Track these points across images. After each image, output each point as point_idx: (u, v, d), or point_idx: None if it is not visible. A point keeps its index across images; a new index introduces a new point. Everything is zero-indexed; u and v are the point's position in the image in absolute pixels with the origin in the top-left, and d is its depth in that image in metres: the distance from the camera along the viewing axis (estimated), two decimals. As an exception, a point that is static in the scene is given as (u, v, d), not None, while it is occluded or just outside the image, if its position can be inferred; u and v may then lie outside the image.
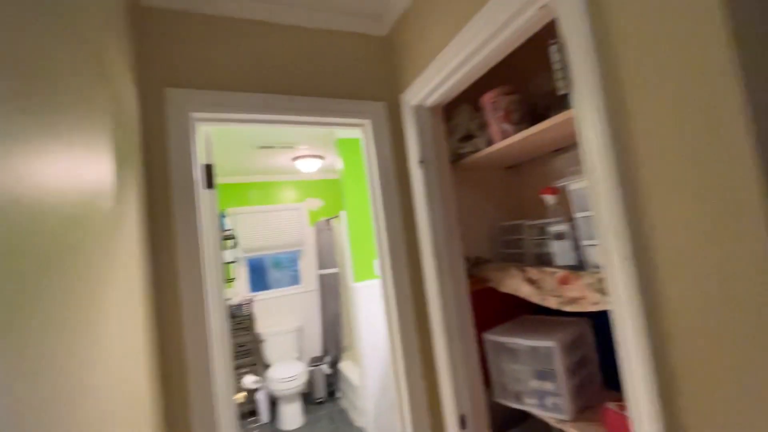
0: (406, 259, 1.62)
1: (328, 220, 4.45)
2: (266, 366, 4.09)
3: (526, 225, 1.58)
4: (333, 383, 4.25)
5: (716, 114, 0.62)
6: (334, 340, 4.25)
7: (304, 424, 3.71)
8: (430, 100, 1.48)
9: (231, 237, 3.81)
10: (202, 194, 1.37)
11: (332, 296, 4.31)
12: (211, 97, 1.36)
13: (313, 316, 4.54)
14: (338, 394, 4.22)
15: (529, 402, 1.31)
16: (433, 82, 1.38)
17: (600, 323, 1.39)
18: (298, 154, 3.81)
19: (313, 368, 4.15)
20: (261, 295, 4.39)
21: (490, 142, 1.50)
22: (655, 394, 0.73)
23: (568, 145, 1.51)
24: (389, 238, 1.60)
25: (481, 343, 1.50)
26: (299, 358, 4.25)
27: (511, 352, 1.38)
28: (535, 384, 1.29)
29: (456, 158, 1.64)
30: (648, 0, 0.70)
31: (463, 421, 1.41)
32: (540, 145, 1.49)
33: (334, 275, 4.34)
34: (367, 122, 1.66)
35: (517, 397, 1.36)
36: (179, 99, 1.30)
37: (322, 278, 4.38)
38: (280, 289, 4.56)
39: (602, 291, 1.04)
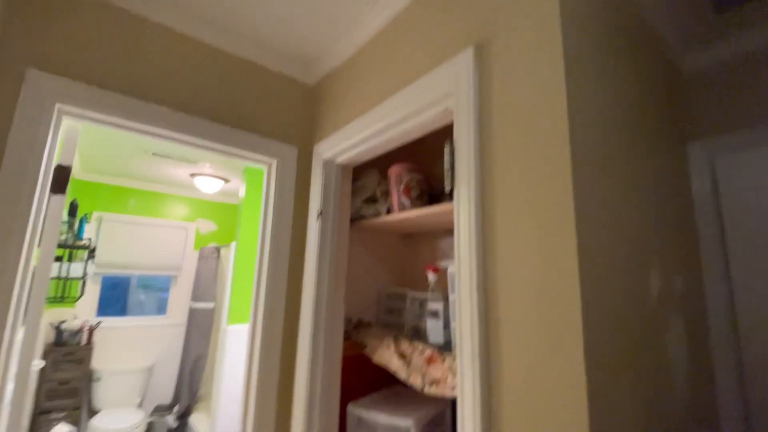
0: (282, 310, 1.51)
1: (217, 248, 4.06)
2: (92, 412, 3.32)
3: (410, 296, 1.62)
4: (176, 439, 3.61)
5: (554, 235, 0.72)
6: (190, 387, 3.69)
7: (124, 490, 3.03)
8: (342, 159, 1.50)
9: (86, 247, 3.20)
10: (47, 198, 1.12)
11: (201, 335, 3.81)
12: (90, 93, 1.17)
13: (172, 355, 3.92)
14: (179, 453, 3.58)
15: (379, 486, 1.25)
16: (347, 143, 1.41)
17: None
18: (198, 171, 3.50)
19: (155, 419, 3.50)
20: (112, 321, 3.67)
21: (389, 210, 1.55)
22: None
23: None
24: (269, 283, 1.50)
25: (344, 414, 1.43)
26: (140, 405, 3.56)
27: (370, 428, 1.33)
28: (387, 466, 1.25)
29: (357, 218, 1.66)
30: (516, 139, 0.81)
31: (305, 506, 1.27)
32: (433, 224, 1.59)
33: (209, 311, 3.88)
34: (274, 162, 1.60)
35: (368, 478, 1.30)
36: (43, 84, 1.09)
37: (194, 312, 3.87)
38: (138, 317, 3.89)
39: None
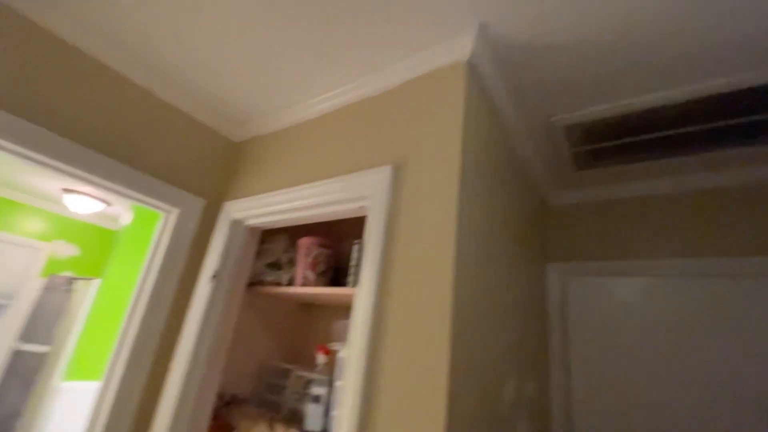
0: (146, 375, 1.32)
1: (71, 279, 3.40)
2: None
3: (294, 374, 1.56)
4: None
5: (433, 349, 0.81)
6: (-18, 458, 2.80)
7: None
8: (252, 222, 1.47)
9: None
10: None
11: (22, 385, 3.00)
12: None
13: (-34, 410, 2.98)
14: None
15: None
16: (263, 210, 1.40)
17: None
18: (73, 188, 3.02)
19: None
20: None
21: (291, 281, 1.53)
22: None
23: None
24: (137, 340, 1.31)
25: None
26: None
27: None
28: None
29: (256, 281, 1.59)
30: (414, 245, 0.93)
31: None
32: (334, 301, 1.61)
33: (38, 357, 3.12)
34: (176, 211, 1.49)
35: None
36: None
37: (17, 356, 3.07)
38: (-76, 357, 2.94)
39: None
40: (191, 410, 1.28)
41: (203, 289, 1.41)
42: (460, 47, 1.06)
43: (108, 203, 3.20)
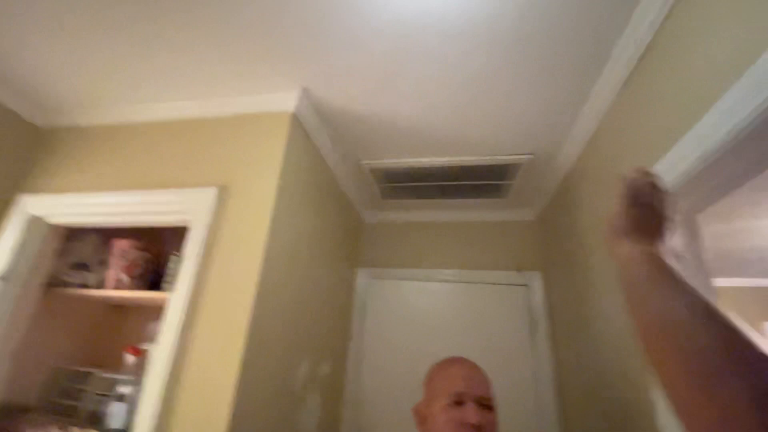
0: None
1: None
2: None
3: (96, 376, 1.53)
4: None
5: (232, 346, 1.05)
6: None
7: None
8: (56, 220, 1.39)
9: None
10: None
11: None
12: None
13: None
14: None
15: None
16: (72, 210, 1.35)
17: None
18: None
19: None
20: None
21: (101, 284, 1.50)
22: None
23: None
24: None
25: None
26: None
27: None
28: None
29: (57, 283, 1.49)
30: (229, 257, 1.15)
31: None
32: (151, 303, 1.64)
33: None
34: (-56, 200, 1.28)
35: None
36: None
37: None
38: None
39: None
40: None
41: (-17, 291, 1.27)
42: (288, 100, 1.32)
43: None
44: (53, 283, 1.49)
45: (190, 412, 1.00)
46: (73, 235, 1.57)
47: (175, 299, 1.11)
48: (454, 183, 1.88)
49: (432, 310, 2.09)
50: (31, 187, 1.45)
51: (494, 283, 2.06)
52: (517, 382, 1.82)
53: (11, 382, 1.40)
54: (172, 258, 1.13)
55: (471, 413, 0.89)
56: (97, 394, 1.49)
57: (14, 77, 1.36)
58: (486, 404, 0.93)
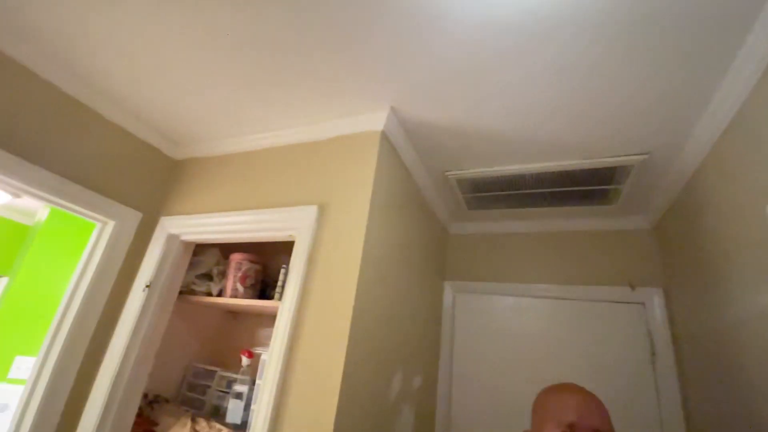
0: (74, 375, 1.41)
1: (-37, 275, 3.09)
2: None
3: (219, 374, 1.74)
4: None
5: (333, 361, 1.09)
6: None
7: None
8: (187, 237, 1.63)
9: None
10: None
11: None
12: None
13: None
14: None
15: None
16: (198, 228, 1.57)
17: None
18: (-24, 178, 2.79)
19: None
20: None
21: (221, 293, 1.72)
22: None
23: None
24: (66, 345, 1.40)
25: (112, 500, 1.37)
26: None
27: None
28: None
29: (186, 291, 1.74)
30: (329, 271, 1.21)
31: None
32: (260, 310, 1.82)
33: None
34: (112, 223, 1.59)
35: None
36: None
37: None
38: None
39: (248, 456, 1.28)
40: (117, 410, 1.40)
41: (136, 297, 1.54)
42: (377, 120, 1.38)
43: (17, 195, 2.99)
44: (184, 291, 1.74)
45: (300, 414, 1.07)
46: (199, 249, 1.82)
47: (284, 308, 1.21)
48: (550, 190, 1.75)
49: (526, 327, 1.94)
50: (168, 210, 1.72)
51: (601, 301, 1.85)
52: (633, 424, 1.58)
53: (154, 377, 1.67)
54: (282, 270, 1.24)
55: (587, 445, 0.81)
56: (219, 391, 1.69)
57: (157, 119, 1.65)
58: (603, 436, 0.83)
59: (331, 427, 1.01)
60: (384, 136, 1.40)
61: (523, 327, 1.95)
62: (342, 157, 1.42)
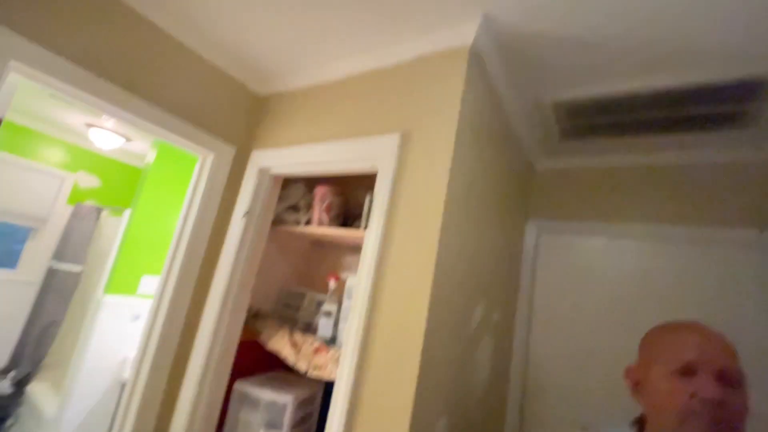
0: (191, 290, 1.65)
1: (98, 209, 3.70)
2: None
3: (309, 296, 1.90)
4: (7, 407, 3.18)
5: (424, 271, 1.11)
6: (35, 353, 3.29)
7: None
8: (276, 171, 1.72)
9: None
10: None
11: (59, 299, 3.43)
12: (47, 59, 1.20)
13: (14, 315, 3.43)
14: (10, 421, 3.17)
15: (253, 448, 1.51)
16: (285, 161, 1.64)
17: (330, 388, 1.77)
18: (96, 123, 3.20)
19: (-22, 385, 3.04)
20: (-65, 267, 3.07)
21: (308, 222, 1.82)
22: None
23: (359, 249, 1.99)
24: (184, 264, 1.62)
25: (230, 389, 1.63)
26: (-41, 368, 3.05)
27: (253, 402, 1.58)
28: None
29: (278, 221, 1.88)
30: (413, 197, 1.19)
31: (183, 465, 1.45)
32: (343, 240, 1.91)
33: (73, 275, 3.51)
34: (211, 156, 1.73)
35: (244, 443, 1.54)
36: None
37: (53, 273, 3.46)
38: (-26, 268, 3.32)
39: (338, 364, 1.42)
40: (228, 320, 1.62)
41: (236, 224, 1.70)
42: (465, 34, 1.24)
43: (128, 139, 3.40)
44: (275, 221, 1.88)
45: (388, 331, 1.13)
46: (287, 183, 1.93)
47: (370, 236, 1.24)
48: (668, 115, 1.49)
49: (619, 271, 1.79)
50: (258, 145, 1.82)
51: (719, 244, 1.61)
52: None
53: (254, 295, 1.87)
54: (367, 198, 1.26)
55: (707, 386, 0.73)
56: (310, 311, 1.87)
57: (244, 56, 1.69)
58: (729, 379, 0.74)
59: (421, 343, 1.05)
60: (473, 54, 1.26)
61: (615, 271, 1.80)
62: (426, 80, 1.33)
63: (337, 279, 1.74)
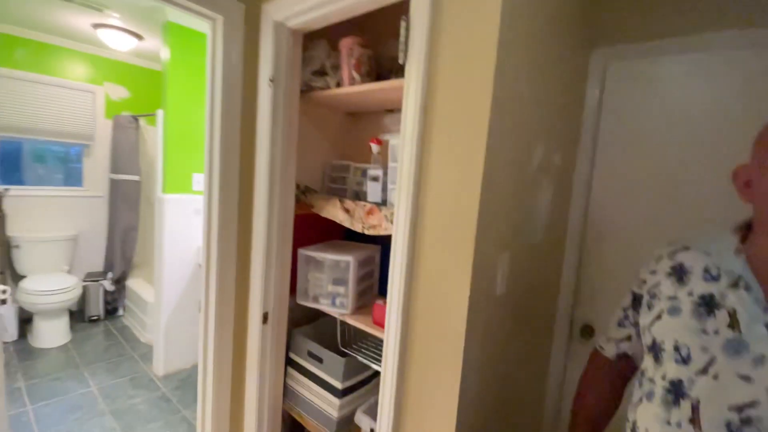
0: (237, 175, 1.65)
1: (135, 117, 3.73)
2: (19, 277, 3.28)
3: (353, 166, 1.85)
4: (115, 300, 3.80)
5: (476, 120, 0.97)
6: (123, 256, 3.76)
7: (69, 341, 3.25)
8: (293, 23, 1.50)
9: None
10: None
11: (128, 207, 3.74)
12: None
13: (97, 225, 3.84)
14: (121, 312, 3.83)
15: (324, 302, 1.65)
16: (300, 6, 1.41)
17: (386, 251, 1.83)
18: (102, 22, 2.99)
19: (89, 283, 3.59)
20: (21, 190, 3.39)
21: (339, 84, 1.65)
22: (402, 293, 1.12)
23: (396, 108, 1.82)
24: (223, 151, 1.60)
25: (294, 256, 1.73)
26: (70, 272, 3.58)
27: (318, 264, 1.67)
28: (331, 288, 1.62)
29: (306, 89, 1.73)
30: (458, 16, 0.97)
31: (265, 318, 1.63)
32: (378, 102, 1.75)
33: (133, 183, 3.74)
34: (220, 18, 1.53)
35: (315, 299, 1.68)
36: None
37: (116, 184, 3.71)
38: (51, 188, 3.62)
39: (392, 222, 1.41)
40: (280, 191, 1.62)
41: (265, 93, 1.58)
42: None
43: (140, 37, 3.19)
44: (304, 90, 1.73)
45: (441, 188, 1.05)
46: (308, 44, 1.71)
47: (410, 81, 1.07)
48: None
49: (697, 98, 1.48)
50: (268, -3, 1.57)
51: None
52: None
53: (300, 173, 1.83)
54: (401, 24, 1.05)
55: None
56: (356, 181, 1.83)
57: None
58: None
59: (478, 193, 0.96)
60: None
61: (695, 97, 1.50)
62: None
63: (380, 142, 1.64)
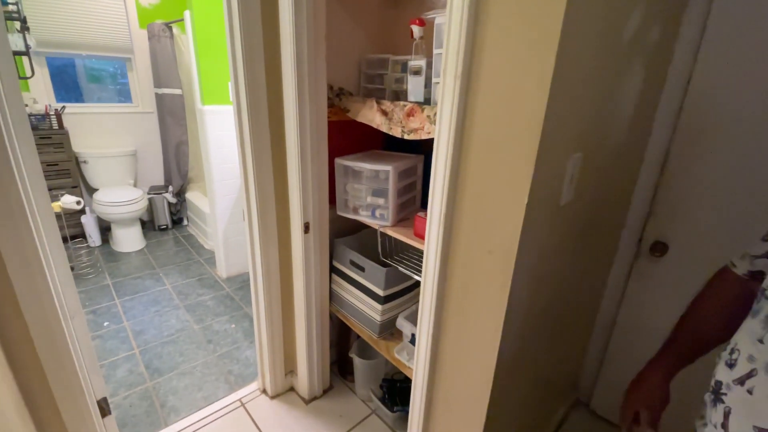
0: (264, 74, 1.49)
1: (167, 25, 3.55)
2: (93, 190, 3.60)
3: (391, 59, 1.60)
4: (179, 211, 4.11)
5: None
6: (179, 170, 3.94)
7: (144, 246, 3.63)
8: None
9: (17, 17, 2.74)
10: None
11: (176, 121, 3.79)
12: None
13: (152, 141, 3.98)
14: (185, 222, 4.15)
15: (363, 214, 1.58)
16: None
17: (429, 161, 1.65)
18: None
19: (154, 196, 3.87)
20: (77, 107, 3.53)
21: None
22: (444, 203, 0.98)
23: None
24: (246, 46, 1.42)
25: (331, 166, 1.63)
26: (135, 185, 3.86)
27: (356, 174, 1.56)
28: (370, 200, 1.53)
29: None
30: None
31: (306, 227, 1.62)
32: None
33: (177, 97, 3.73)
34: None
35: (355, 210, 1.61)
36: None
37: (161, 99, 3.72)
38: (105, 104, 3.73)
39: (435, 123, 1.21)
40: (310, 91, 1.46)
41: (284, -30, 1.32)
42: None
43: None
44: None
45: (496, 68, 0.82)
46: None
47: None
48: None
49: None
50: None
51: None
52: None
53: (333, 72, 1.63)
54: None
55: None
56: (395, 78, 1.60)
57: None
58: None
59: (550, 73, 0.73)
60: None
61: None
62: None
63: (423, 23, 1.36)
